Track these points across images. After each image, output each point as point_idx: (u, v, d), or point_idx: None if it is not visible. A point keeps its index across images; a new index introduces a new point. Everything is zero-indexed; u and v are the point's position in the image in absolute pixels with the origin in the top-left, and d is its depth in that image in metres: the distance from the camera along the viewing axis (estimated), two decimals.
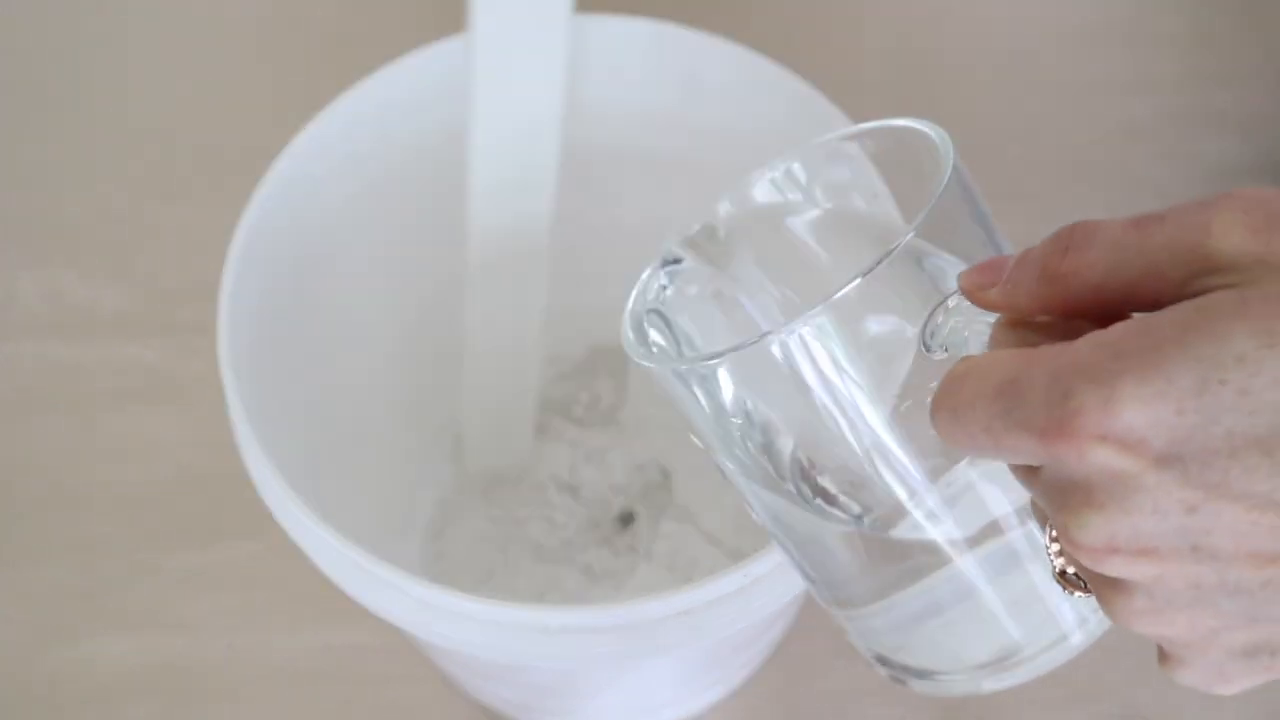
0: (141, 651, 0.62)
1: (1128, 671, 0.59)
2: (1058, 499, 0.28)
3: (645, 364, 0.35)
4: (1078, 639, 0.35)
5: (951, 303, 0.31)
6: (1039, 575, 0.34)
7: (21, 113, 0.78)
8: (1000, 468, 0.32)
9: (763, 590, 0.44)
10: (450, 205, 0.61)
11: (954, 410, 0.29)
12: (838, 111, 0.52)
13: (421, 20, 0.79)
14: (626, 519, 0.64)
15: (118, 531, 0.64)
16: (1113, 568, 0.28)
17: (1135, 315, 0.28)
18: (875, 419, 0.32)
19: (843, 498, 0.34)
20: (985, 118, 0.76)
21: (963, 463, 0.33)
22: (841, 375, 0.32)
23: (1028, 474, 0.29)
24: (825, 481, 0.34)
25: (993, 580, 0.34)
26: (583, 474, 0.65)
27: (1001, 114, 0.77)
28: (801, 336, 0.31)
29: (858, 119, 0.51)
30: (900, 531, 0.34)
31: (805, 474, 0.34)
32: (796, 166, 0.39)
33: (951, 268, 0.32)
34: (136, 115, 0.78)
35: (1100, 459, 0.26)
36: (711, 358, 0.32)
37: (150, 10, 0.82)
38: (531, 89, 0.52)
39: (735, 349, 0.32)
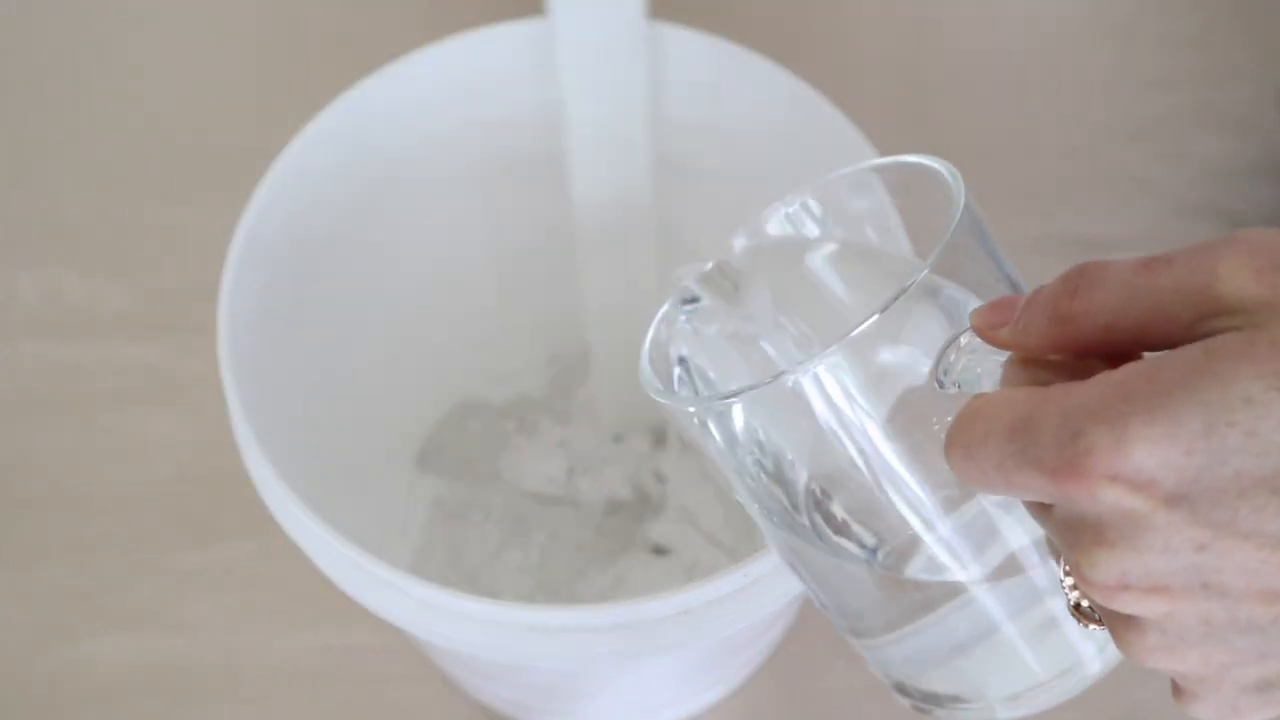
0: (141, 651, 0.62)
1: (1129, 674, 0.59)
2: (1070, 536, 0.28)
3: (663, 401, 0.35)
4: (1095, 667, 0.35)
5: (964, 340, 0.32)
6: (1056, 606, 0.34)
7: (21, 113, 0.78)
8: (1014, 499, 0.32)
9: (763, 590, 0.44)
10: (451, 205, 0.61)
11: (967, 448, 0.29)
12: (839, 114, 0.52)
13: (421, 20, 0.79)
14: (624, 518, 0.64)
15: (118, 531, 0.64)
16: (1124, 604, 0.28)
17: (1145, 355, 0.28)
18: (890, 453, 0.32)
19: (858, 530, 0.34)
20: (985, 118, 0.76)
21: (978, 497, 0.33)
22: (856, 410, 0.32)
23: (1040, 510, 0.30)
24: (840, 514, 0.34)
25: (1010, 612, 0.34)
26: (581, 475, 0.65)
27: (1001, 114, 0.77)
28: (817, 374, 0.32)
29: (859, 120, 0.51)
30: (914, 570, 0.34)
31: (820, 506, 0.34)
32: (811, 202, 0.39)
33: (964, 300, 0.32)
34: (136, 115, 0.78)
35: (1111, 498, 0.27)
36: (728, 396, 0.33)
37: (150, 10, 0.82)
38: (615, 63, 0.53)
39: (752, 388, 0.32)
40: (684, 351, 0.39)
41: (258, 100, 0.78)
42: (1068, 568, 0.30)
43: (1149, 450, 0.26)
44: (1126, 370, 0.27)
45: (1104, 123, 0.76)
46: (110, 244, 0.73)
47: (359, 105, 0.54)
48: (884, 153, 0.41)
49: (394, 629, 0.47)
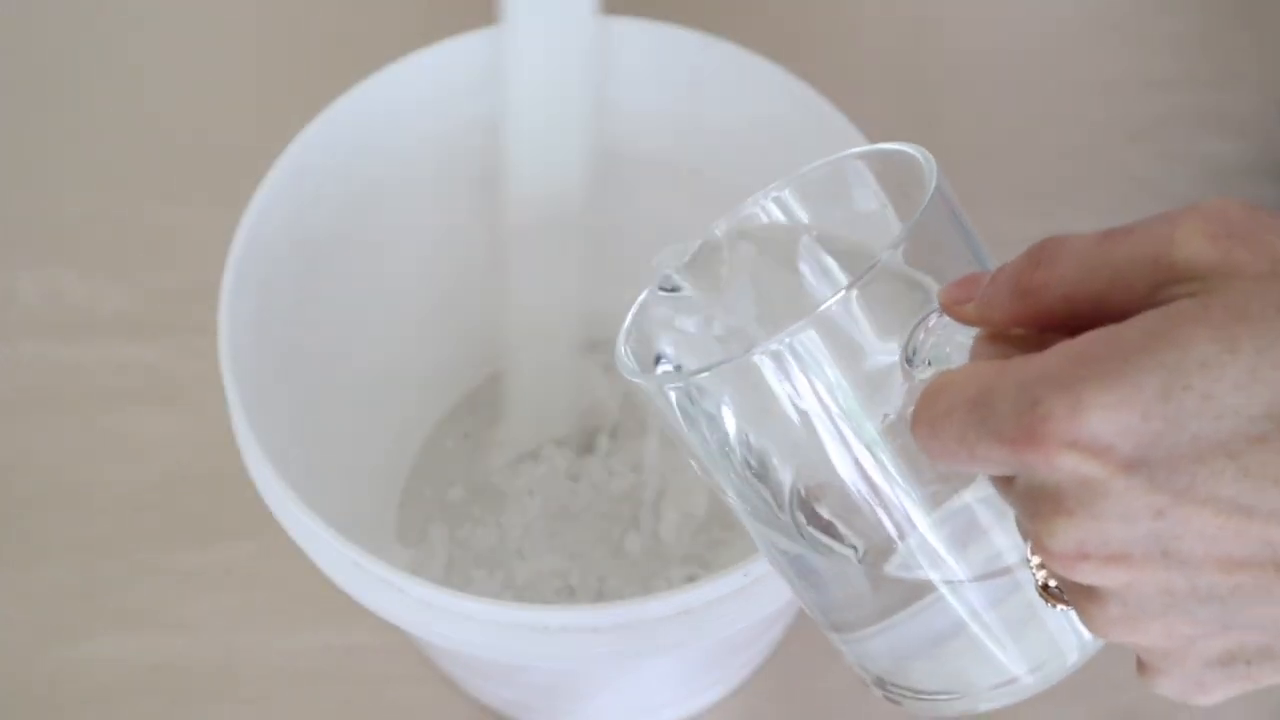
0: (141, 651, 0.62)
1: (1129, 669, 0.59)
2: (1030, 507, 0.28)
3: (635, 380, 0.35)
4: (1074, 657, 0.35)
5: (932, 320, 0.32)
6: (1034, 595, 0.34)
7: (21, 113, 0.78)
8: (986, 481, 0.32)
9: (763, 590, 0.44)
10: (451, 206, 0.61)
11: (931, 424, 0.29)
12: (838, 114, 0.52)
13: (421, 20, 0.79)
14: (625, 519, 0.64)
15: (118, 531, 0.64)
16: (1084, 574, 0.28)
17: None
18: (867, 437, 0.32)
19: (841, 528, 0.34)
20: (986, 117, 0.76)
21: (966, 491, 0.33)
22: (831, 393, 0.32)
23: (1005, 485, 0.30)
24: (823, 511, 0.34)
25: (991, 602, 0.34)
26: (581, 475, 0.65)
27: (1002, 114, 0.77)
28: (788, 351, 0.31)
29: (858, 121, 0.51)
30: (897, 566, 0.34)
31: (803, 504, 0.34)
32: (788, 193, 0.39)
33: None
34: (136, 115, 0.78)
35: (1068, 465, 0.27)
36: (698, 372, 0.33)
37: (150, 10, 0.82)
38: (562, 66, 0.54)
39: (721, 363, 0.32)
40: (667, 350, 0.39)
41: (258, 100, 0.78)
42: (1032, 544, 0.30)
43: (1105, 416, 0.26)
44: (1084, 339, 0.27)
45: (1104, 123, 0.76)
46: (110, 244, 0.73)
47: (359, 105, 0.54)
48: None
49: (394, 629, 0.47)
